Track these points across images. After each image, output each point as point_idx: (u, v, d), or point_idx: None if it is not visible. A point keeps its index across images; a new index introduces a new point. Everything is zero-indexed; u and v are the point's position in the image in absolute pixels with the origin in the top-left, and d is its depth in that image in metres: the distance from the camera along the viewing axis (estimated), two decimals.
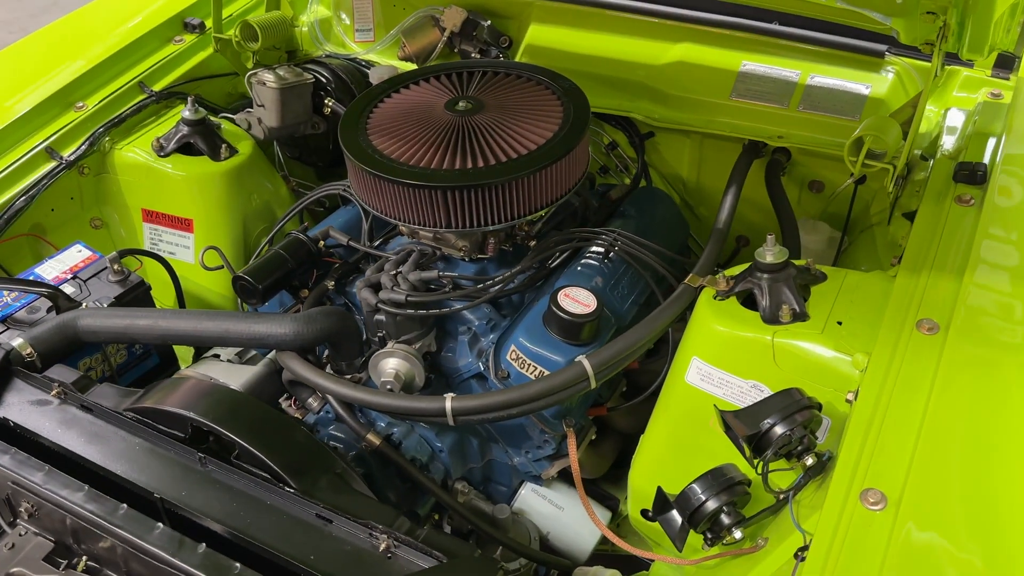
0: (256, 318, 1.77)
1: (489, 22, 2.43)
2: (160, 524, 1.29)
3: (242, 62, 2.50)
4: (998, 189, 1.66)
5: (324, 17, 2.67)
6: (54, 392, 1.56)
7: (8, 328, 1.79)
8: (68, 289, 1.91)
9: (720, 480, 1.55)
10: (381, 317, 1.83)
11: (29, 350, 1.68)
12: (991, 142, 1.84)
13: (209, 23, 2.52)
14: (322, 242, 1.98)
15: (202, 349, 2.05)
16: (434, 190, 1.76)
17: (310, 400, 1.87)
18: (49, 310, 1.85)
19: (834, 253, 2.10)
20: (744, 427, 1.45)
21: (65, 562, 1.35)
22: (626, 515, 1.97)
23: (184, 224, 2.23)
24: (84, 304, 1.85)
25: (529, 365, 1.77)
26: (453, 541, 1.32)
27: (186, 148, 2.24)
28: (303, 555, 1.28)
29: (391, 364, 1.79)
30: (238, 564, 1.26)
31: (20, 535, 1.40)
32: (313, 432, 1.82)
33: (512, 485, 1.99)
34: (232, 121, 2.39)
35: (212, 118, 2.28)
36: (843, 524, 1.22)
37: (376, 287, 1.84)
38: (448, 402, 1.66)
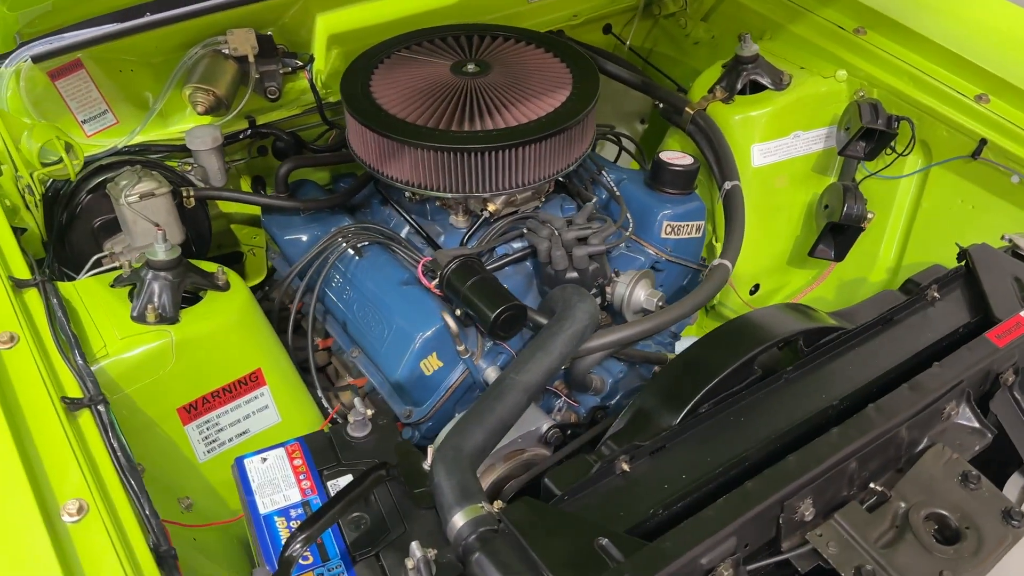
0: (559, 326, 1.64)
1: (270, 32, 2.17)
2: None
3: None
4: None
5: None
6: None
7: None
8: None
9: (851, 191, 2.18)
10: (596, 264, 1.84)
11: None
12: None
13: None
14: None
15: None
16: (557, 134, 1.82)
17: (595, 382, 1.82)
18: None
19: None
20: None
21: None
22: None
23: (253, 380, 1.65)
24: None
25: (684, 227, 2.03)
26: None
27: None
28: None
29: (644, 288, 1.87)
30: None
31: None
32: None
33: None
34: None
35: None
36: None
37: (576, 244, 1.83)
38: (728, 263, 1.89)
